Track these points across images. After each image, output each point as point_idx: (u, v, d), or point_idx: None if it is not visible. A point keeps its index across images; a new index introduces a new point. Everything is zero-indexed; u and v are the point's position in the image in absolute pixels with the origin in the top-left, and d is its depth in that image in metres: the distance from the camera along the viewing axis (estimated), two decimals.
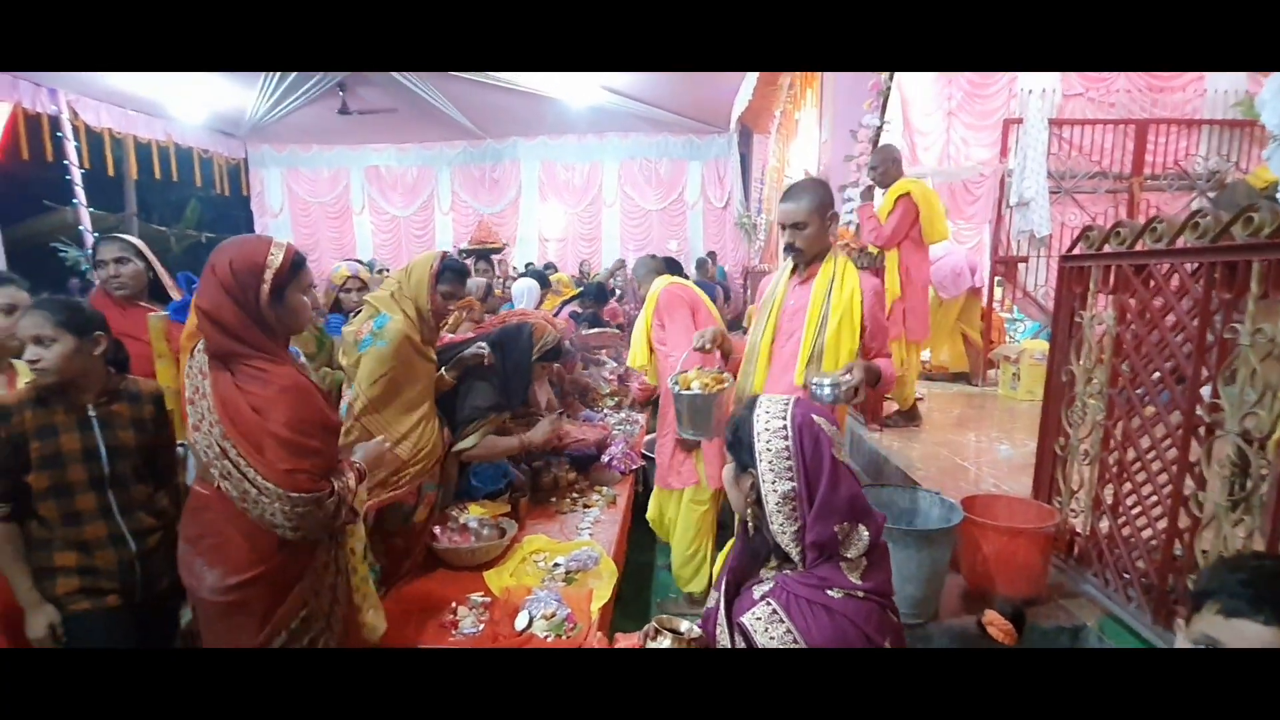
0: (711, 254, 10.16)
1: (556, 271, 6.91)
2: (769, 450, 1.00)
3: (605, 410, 4.14)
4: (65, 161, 6.82)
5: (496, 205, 11.76)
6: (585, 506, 2.65)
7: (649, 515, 2.86)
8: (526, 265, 9.88)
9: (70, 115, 7.43)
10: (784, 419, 1.02)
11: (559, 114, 9.92)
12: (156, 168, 9.03)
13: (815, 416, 1.04)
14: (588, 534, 2.39)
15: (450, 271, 2.12)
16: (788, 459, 0.99)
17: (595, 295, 4.92)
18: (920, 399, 4.37)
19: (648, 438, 3.68)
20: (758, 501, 1.03)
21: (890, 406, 4.00)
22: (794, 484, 0.99)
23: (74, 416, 1.55)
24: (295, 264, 1.38)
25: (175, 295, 2.23)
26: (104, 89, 7.91)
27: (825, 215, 1.92)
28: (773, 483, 0.99)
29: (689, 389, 1.92)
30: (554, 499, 2.68)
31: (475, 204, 11.78)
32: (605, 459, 3.07)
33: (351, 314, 2.58)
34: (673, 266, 3.63)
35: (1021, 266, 5.28)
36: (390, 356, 1.96)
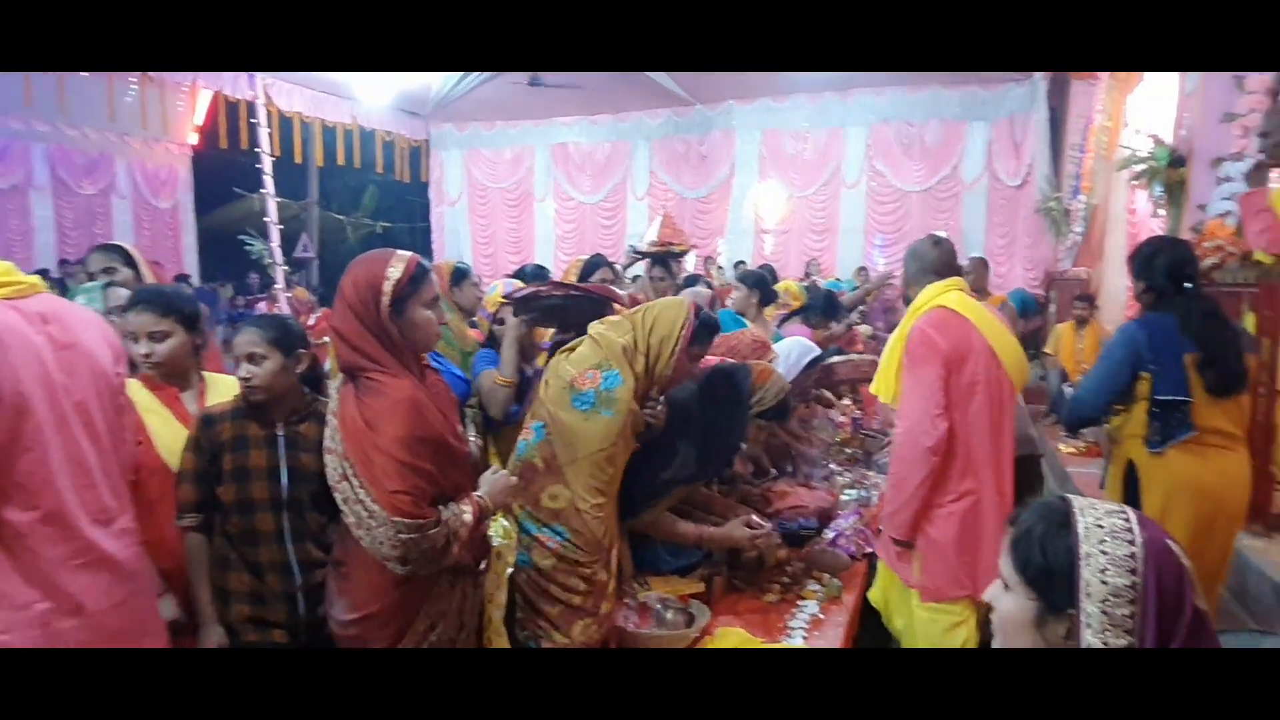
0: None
1: (773, 275, 6.91)
2: (1104, 586, 0.94)
3: (832, 466, 4.05)
4: (257, 149, 8.54)
5: (702, 188, 12.18)
6: (800, 598, 2.60)
7: (871, 595, 2.76)
8: (736, 265, 10.11)
9: (265, 100, 9.26)
10: (1131, 543, 0.95)
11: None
12: (340, 152, 10.87)
13: (1171, 543, 0.97)
14: (800, 636, 2.36)
15: (704, 328, 2.17)
16: (1131, 604, 0.93)
17: (824, 309, 4.83)
18: None
19: None
20: None
21: None
22: (1133, 640, 0.93)
23: (265, 432, 1.94)
24: (415, 277, 1.70)
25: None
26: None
27: None
28: (1103, 633, 0.94)
29: None
30: (758, 583, 2.67)
31: (677, 186, 12.31)
32: (829, 535, 3.01)
33: (551, 343, 2.79)
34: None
35: None
36: (616, 434, 2.03)
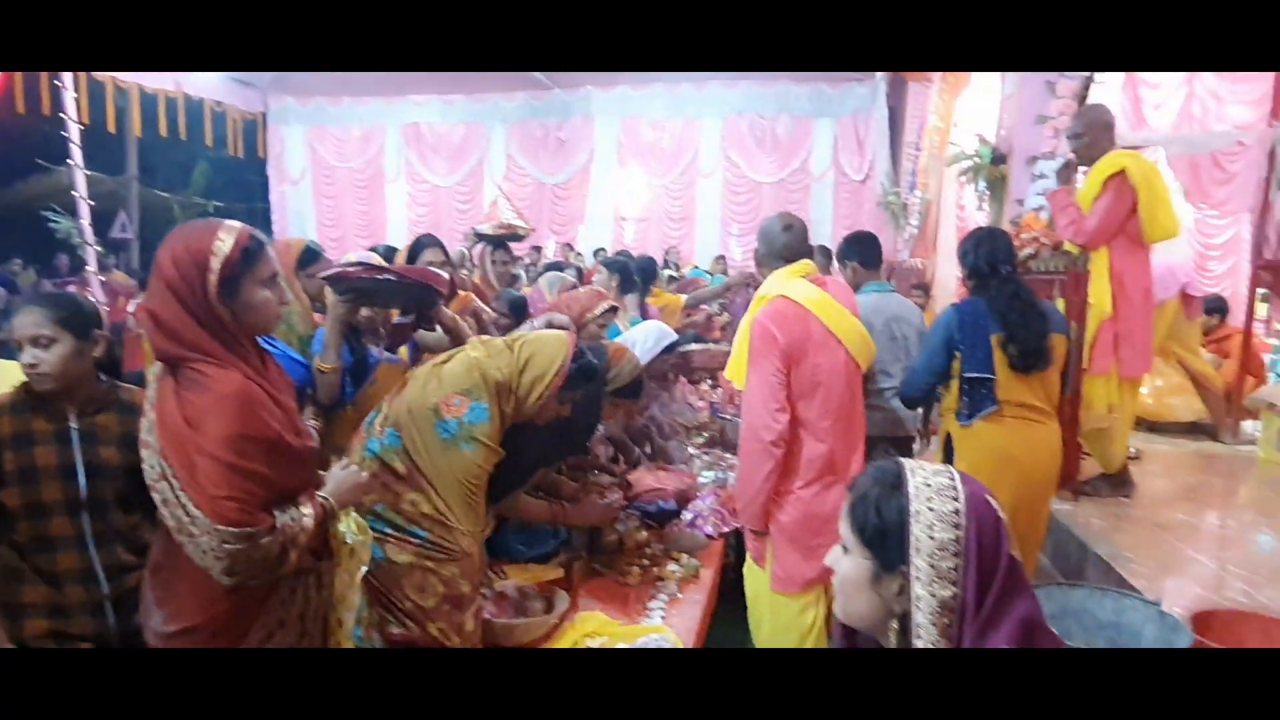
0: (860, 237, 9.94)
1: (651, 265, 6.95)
2: (931, 541, 1.00)
3: (690, 450, 4.15)
4: (62, 115, 7.65)
5: (561, 173, 12.12)
6: (659, 579, 2.66)
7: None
8: (596, 252, 10.15)
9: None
10: (956, 499, 1.01)
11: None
12: (163, 123, 9.95)
13: (989, 497, 1.04)
14: (659, 616, 2.40)
15: (581, 374, 2.10)
16: (955, 556, 0.99)
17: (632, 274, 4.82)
18: (1134, 457, 4.16)
19: None
20: (903, 613, 1.03)
21: (1090, 466, 3.81)
22: (957, 590, 0.98)
23: (55, 426, 1.73)
24: (249, 251, 1.49)
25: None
26: None
27: None
28: (930, 585, 0.99)
29: None
30: (618, 566, 2.71)
31: (535, 171, 12.18)
32: (688, 516, 3.09)
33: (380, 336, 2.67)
34: (859, 247, 3.47)
35: None
36: (478, 467, 1.96)
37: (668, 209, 11.90)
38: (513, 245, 4.53)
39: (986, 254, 2.81)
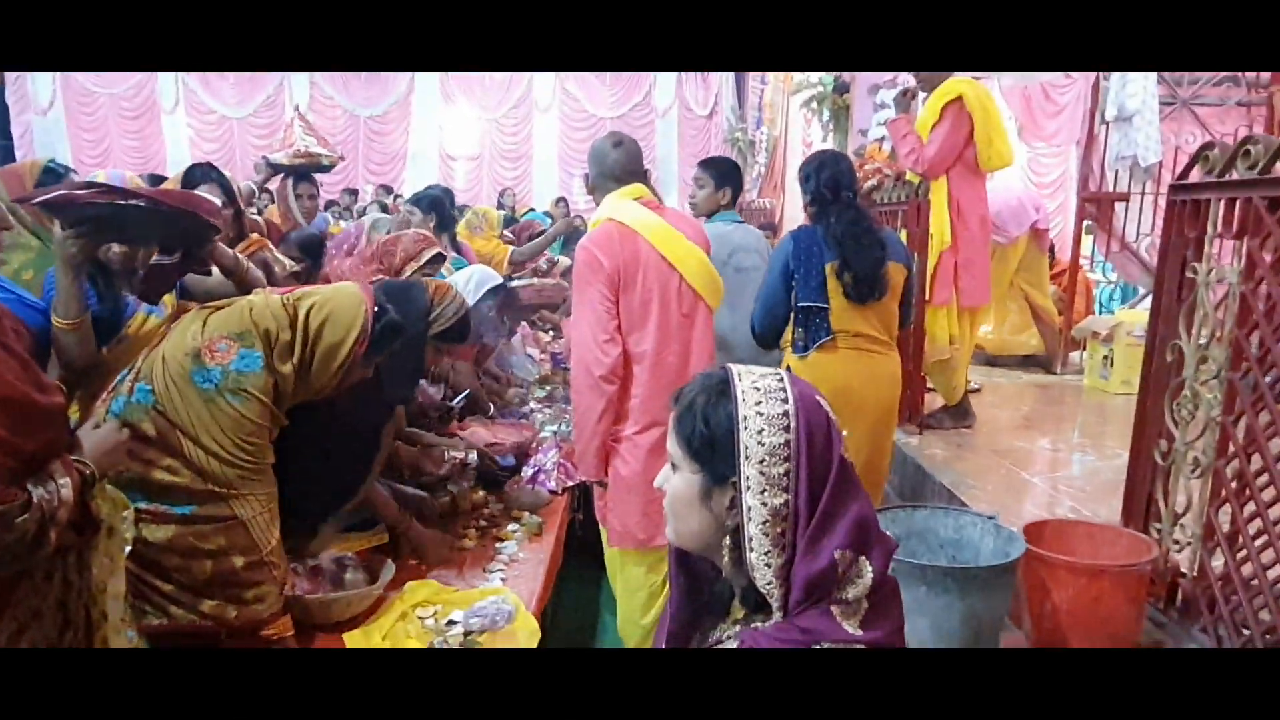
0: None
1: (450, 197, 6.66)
2: (761, 447, 0.99)
3: (531, 404, 4.09)
4: None
5: (377, 105, 11.55)
6: (498, 540, 2.62)
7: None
8: (416, 194, 9.67)
9: None
10: (785, 401, 1.01)
11: None
12: None
13: (820, 398, 1.04)
14: (499, 579, 2.37)
15: (389, 332, 1.91)
16: (786, 461, 0.99)
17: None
18: (975, 390, 4.47)
19: None
20: (735, 527, 1.02)
21: (934, 400, 4.05)
22: (788, 497, 0.99)
23: None
24: None
25: None
26: None
27: None
28: (761, 494, 0.99)
29: None
30: (453, 528, 2.65)
31: (346, 101, 11.53)
32: (528, 472, 3.04)
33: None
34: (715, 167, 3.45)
35: (1119, 207, 5.37)
36: (252, 428, 1.77)
37: (501, 146, 11.61)
38: (323, 187, 4.18)
39: (829, 178, 2.81)
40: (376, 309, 1.94)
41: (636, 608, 2.65)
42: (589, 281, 2.39)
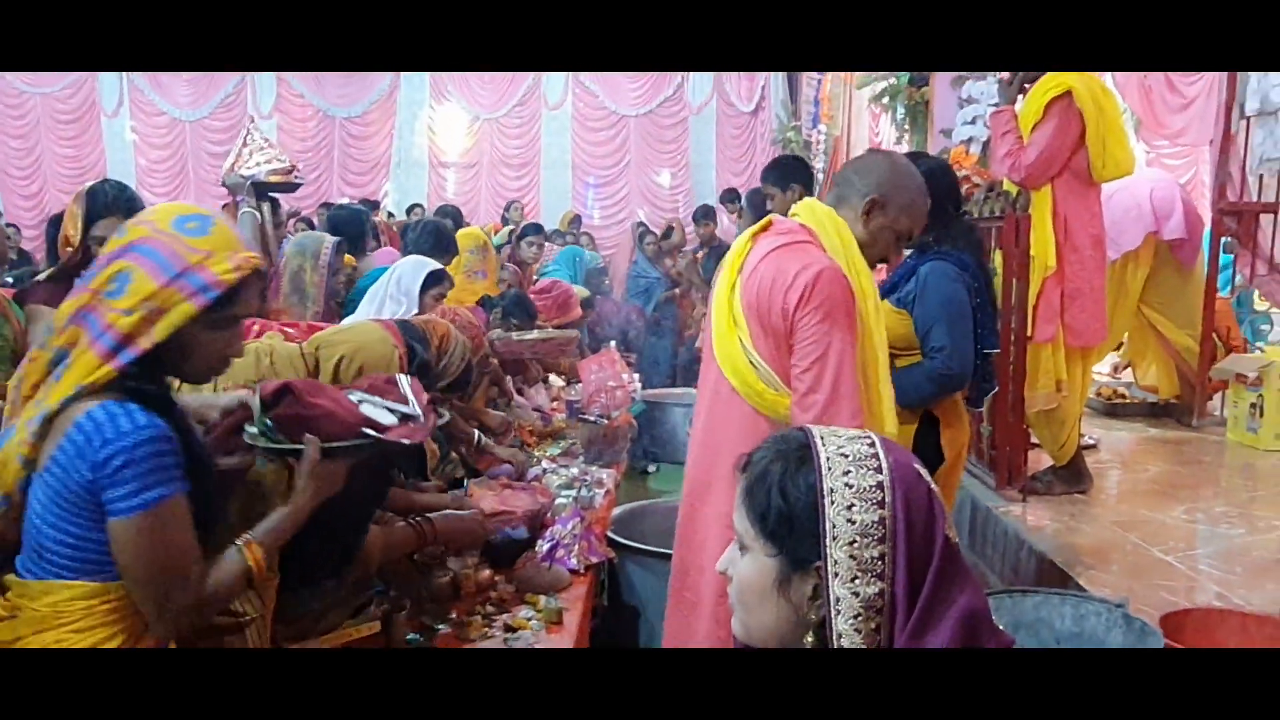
0: (732, 192, 10.05)
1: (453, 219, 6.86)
2: (851, 526, 1.01)
3: (543, 462, 4.13)
4: None
5: (355, 104, 11.82)
6: (509, 629, 2.63)
7: None
8: (410, 209, 9.89)
9: None
10: (879, 471, 1.03)
11: None
12: None
13: (918, 466, 1.06)
14: None
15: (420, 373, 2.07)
16: (880, 542, 1.00)
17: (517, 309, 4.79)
18: (1090, 446, 4.47)
19: (621, 509, 3.68)
20: (819, 622, 1.04)
21: (1039, 459, 4.07)
22: (884, 585, 1.00)
23: None
24: None
25: None
26: None
27: None
28: (851, 582, 1.00)
29: None
30: (455, 616, 2.67)
31: (319, 100, 11.83)
32: (544, 546, 3.07)
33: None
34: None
35: (1266, 220, 5.33)
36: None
37: (503, 151, 11.83)
38: (289, 204, 4.36)
39: (948, 188, 2.85)
40: (405, 346, 2.11)
41: None
42: (849, 313, 2.25)
